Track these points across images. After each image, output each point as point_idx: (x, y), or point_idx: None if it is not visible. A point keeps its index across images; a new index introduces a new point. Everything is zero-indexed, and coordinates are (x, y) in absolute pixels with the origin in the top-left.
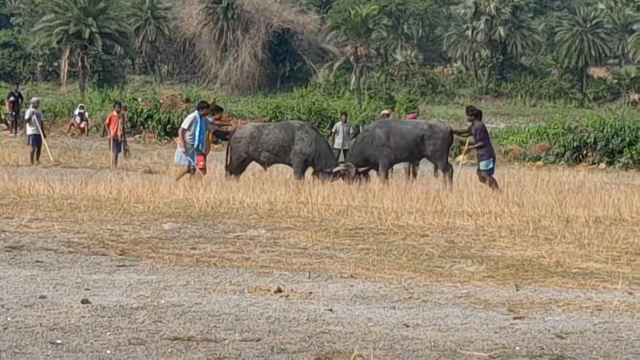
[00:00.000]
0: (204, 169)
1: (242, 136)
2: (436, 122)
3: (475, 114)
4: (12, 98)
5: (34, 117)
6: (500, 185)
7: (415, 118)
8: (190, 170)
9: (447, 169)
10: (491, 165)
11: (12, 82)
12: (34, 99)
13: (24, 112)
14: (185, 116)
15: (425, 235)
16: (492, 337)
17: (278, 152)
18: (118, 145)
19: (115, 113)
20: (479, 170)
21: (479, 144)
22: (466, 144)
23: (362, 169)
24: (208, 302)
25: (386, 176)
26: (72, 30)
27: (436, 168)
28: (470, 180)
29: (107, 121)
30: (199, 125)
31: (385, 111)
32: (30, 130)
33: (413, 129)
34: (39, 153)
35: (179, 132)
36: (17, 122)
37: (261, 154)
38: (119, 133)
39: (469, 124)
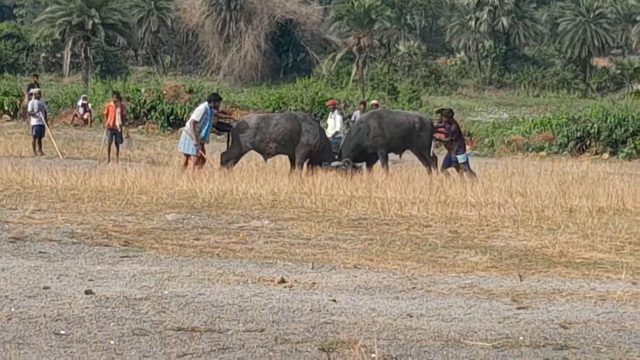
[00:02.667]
0: (202, 159)
1: (248, 127)
2: (424, 115)
3: (451, 116)
4: (31, 90)
5: (36, 107)
6: (504, 175)
7: (377, 106)
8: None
9: (433, 159)
10: (466, 159)
11: (30, 74)
12: (35, 90)
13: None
14: (189, 107)
15: (429, 226)
16: (496, 327)
17: (285, 143)
18: (116, 135)
19: (112, 103)
20: (446, 165)
21: (449, 140)
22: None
23: (359, 164)
24: (212, 292)
25: (387, 165)
26: (75, 22)
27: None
28: (473, 171)
29: (105, 111)
30: (208, 117)
31: (374, 101)
32: (34, 120)
33: (406, 119)
34: (40, 144)
35: (189, 123)
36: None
37: (268, 144)
38: (117, 124)
39: (445, 122)
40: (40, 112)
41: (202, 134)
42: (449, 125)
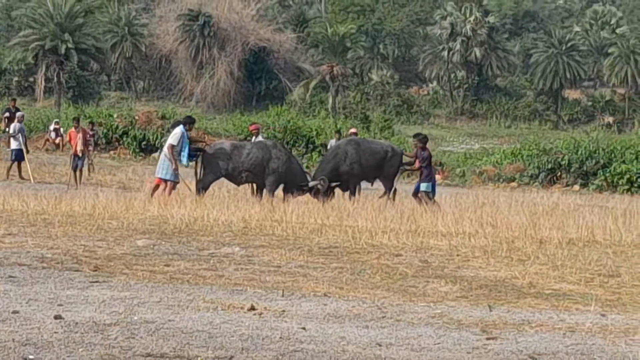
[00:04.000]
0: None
1: (221, 153)
2: (395, 145)
3: (425, 142)
4: (7, 114)
5: (17, 130)
6: (475, 205)
7: (356, 134)
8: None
9: (393, 189)
10: (430, 188)
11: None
12: (19, 113)
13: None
14: (162, 133)
15: (399, 255)
16: (465, 358)
17: (257, 172)
18: (80, 160)
19: (73, 129)
20: (416, 192)
21: (419, 167)
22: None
23: (334, 184)
24: (181, 319)
25: (355, 193)
26: (48, 46)
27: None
28: (444, 201)
29: (67, 137)
30: (185, 140)
31: (353, 130)
32: (14, 144)
33: (381, 147)
34: (19, 168)
35: (167, 148)
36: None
37: (240, 173)
38: (78, 149)
39: (416, 149)
40: (21, 136)
41: (183, 159)
42: (422, 151)
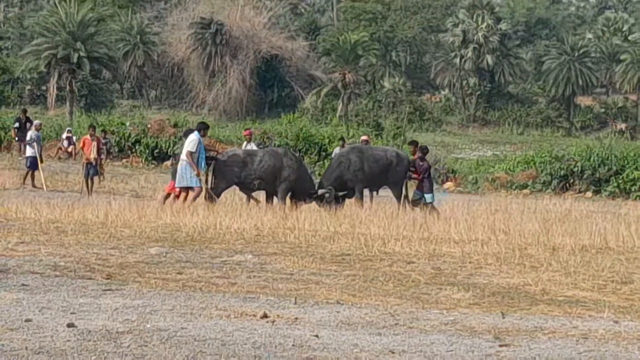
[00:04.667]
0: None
1: (234, 161)
2: (400, 150)
3: (425, 153)
4: (17, 124)
5: (34, 138)
6: (487, 212)
7: (367, 142)
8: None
9: (402, 196)
10: (432, 199)
11: (15, 106)
12: (36, 122)
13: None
14: (174, 141)
15: (412, 262)
16: None
17: (269, 180)
18: (92, 168)
19: (88, 136)
20: (416, 201)
21: (420, 178)
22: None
23: (341, 193)
24: (194, 327)
25: (362, 200)
26: (60, 54)
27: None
28: (457, 208)
29: (81, 144)
30: (202, 146)
31: (364, 137)
32: (29, 151)
33: (384, 154)
34: (32, 176)
35: (187, 155)
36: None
37: (253, 180)
38: (91, 157)
39: (417, 159)
40: (36, 144)
41: (201, 165)
42: (421, 162)
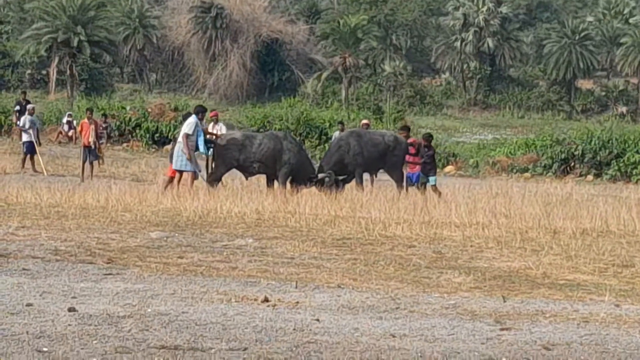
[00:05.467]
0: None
1: (233, 144)
2: (398, 135)
3: (430, 140)
4: (17, 107)
5: (28, 124)
6: (488, 196)
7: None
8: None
9: (402, 179)
10: (434, 182)
11: (16, 90)
12: (29, 105)
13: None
14: (174, 125)
15: (413, 246)
16: (479, 348)
17: (268, 163)
18: (91, 153)
19: (86, 120)
20: (425, 185)
21: (421, 160)
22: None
23: (341, 177)
24: (195, 311)
25: (362, 184)
26: (60, 39)
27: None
28: (458, 191)
29: (79, 128)
30: (200, 129)
31: (365, 121)
32: (25, 137)
33: (382, 139)
34: (32, 161)
35: (182, 138)
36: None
37: (252, 164)
38: (90, 140)
39: (422, 144)
40: (32, 129)
41: (201, 148)
42: (427, 149)
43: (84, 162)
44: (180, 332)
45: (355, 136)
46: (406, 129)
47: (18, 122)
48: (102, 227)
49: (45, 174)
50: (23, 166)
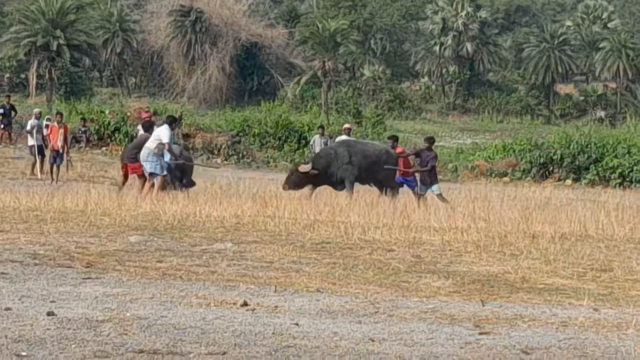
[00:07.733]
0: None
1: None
2: (388, 147)
3: (432, 143)
4: (1, 110)
5: (35, 128)
6: (467, 200)
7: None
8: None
9: (396, 191)
10: (439, 190)
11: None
12: (36, 110)
13: (19, 124)
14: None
15: (392, 250)
16: (458, 353)
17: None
18: (59, 156)
19: (56, 124)
20: (433, 194)
21: (426, 169)
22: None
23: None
24: (174, 315)
25: (352, 192)
26: (39, 42)
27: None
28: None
29: (48, 132)
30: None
31: (347, 125)
32: (31, 141)
33: (374, 151)
34: (42, 164)
35: (166, 145)
36: (10, 135)
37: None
38: (58, 144)
39: (423, 148)
40: (36, 132)
41: (166, 157)
42: (428, 152)
43: (51, 165)
44: (159, 336)
45: (346, 146)
46: (394, 138)
47: (1, 126)
48: (81, 231)
49: (39, 176)
50: (33, 171)
